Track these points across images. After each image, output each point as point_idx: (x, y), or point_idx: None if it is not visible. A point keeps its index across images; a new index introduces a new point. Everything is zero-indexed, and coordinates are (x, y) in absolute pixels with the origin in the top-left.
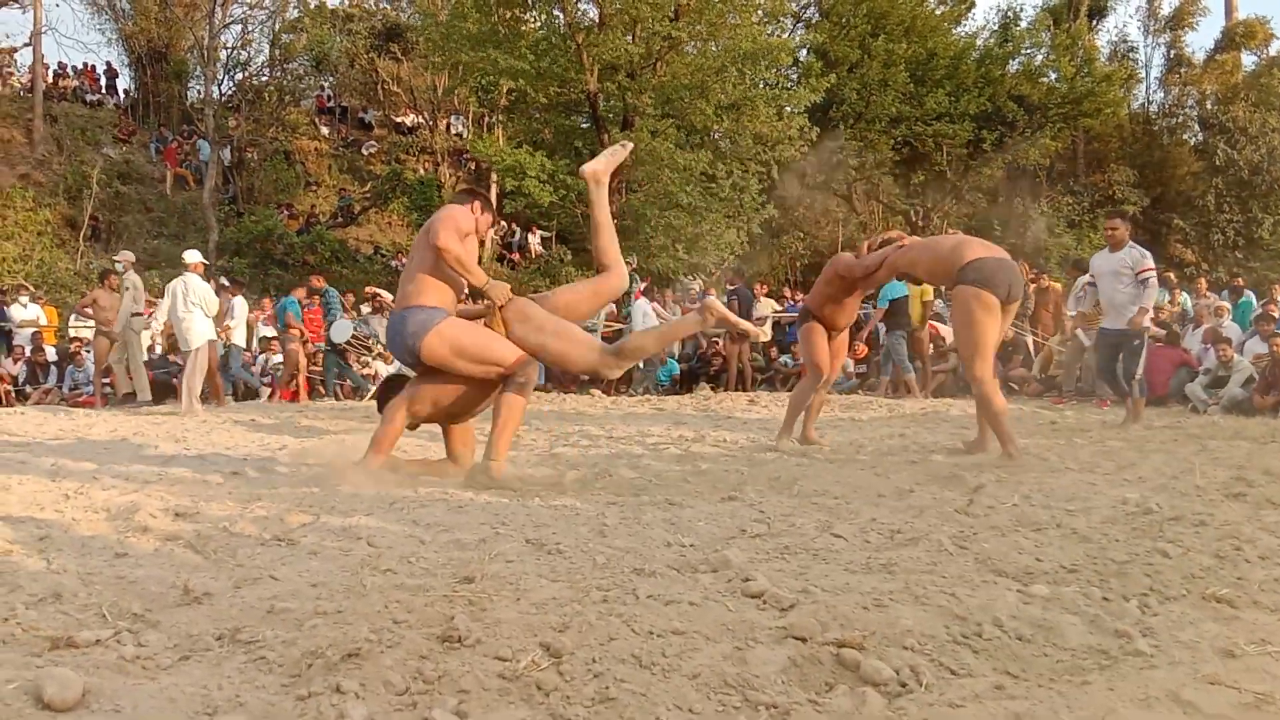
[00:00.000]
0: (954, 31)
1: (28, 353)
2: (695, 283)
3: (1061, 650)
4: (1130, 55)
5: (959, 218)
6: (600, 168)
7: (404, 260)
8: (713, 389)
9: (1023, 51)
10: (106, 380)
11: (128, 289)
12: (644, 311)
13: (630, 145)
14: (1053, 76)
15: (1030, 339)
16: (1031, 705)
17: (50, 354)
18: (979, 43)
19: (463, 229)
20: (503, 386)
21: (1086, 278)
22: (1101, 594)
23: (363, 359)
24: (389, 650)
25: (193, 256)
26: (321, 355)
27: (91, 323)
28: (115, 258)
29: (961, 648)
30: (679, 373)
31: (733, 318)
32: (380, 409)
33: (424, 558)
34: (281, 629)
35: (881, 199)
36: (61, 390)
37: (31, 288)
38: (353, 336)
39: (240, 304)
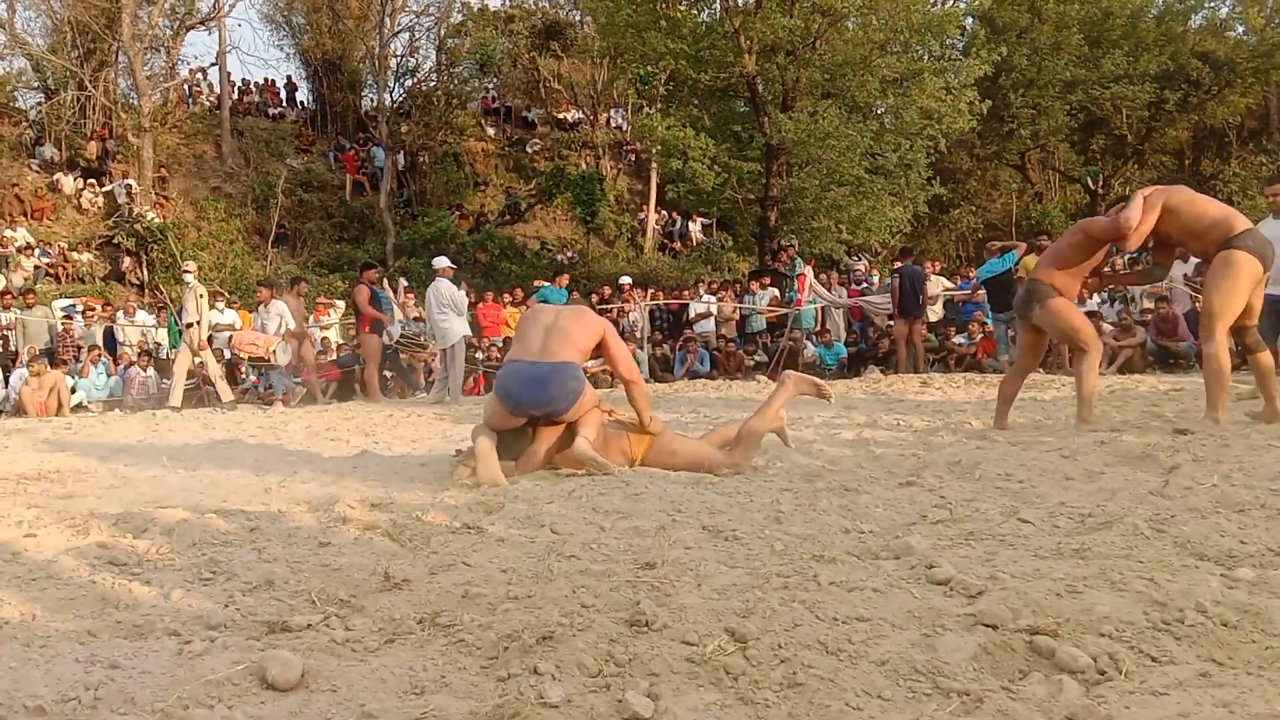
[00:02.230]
0: None
1: (226, 355)
2: (860, 263)
3: (1271, 636)
4: None
5: (1142, 183)
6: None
7: (570, 254)
8: (882, 371)
9: (1206, 5)
10: (299, 380)
11: (202, 296)
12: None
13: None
14: (1240, 30)
15: None
16: (1240, 693)
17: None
18: None
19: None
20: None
21: None
22: None
23: (418, 358)
24: (580, 634)
25: (440, 262)
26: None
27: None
28: (184, 268)
29: (1163, 634)
30: (847, 355)
31: (819, 383)
32: None
33: (605, 544)
34: (477, 613)
35: (1058, 167)
36: (258, 389)
37: (227, 294)
38: (402, 336)
39: (281, 306)
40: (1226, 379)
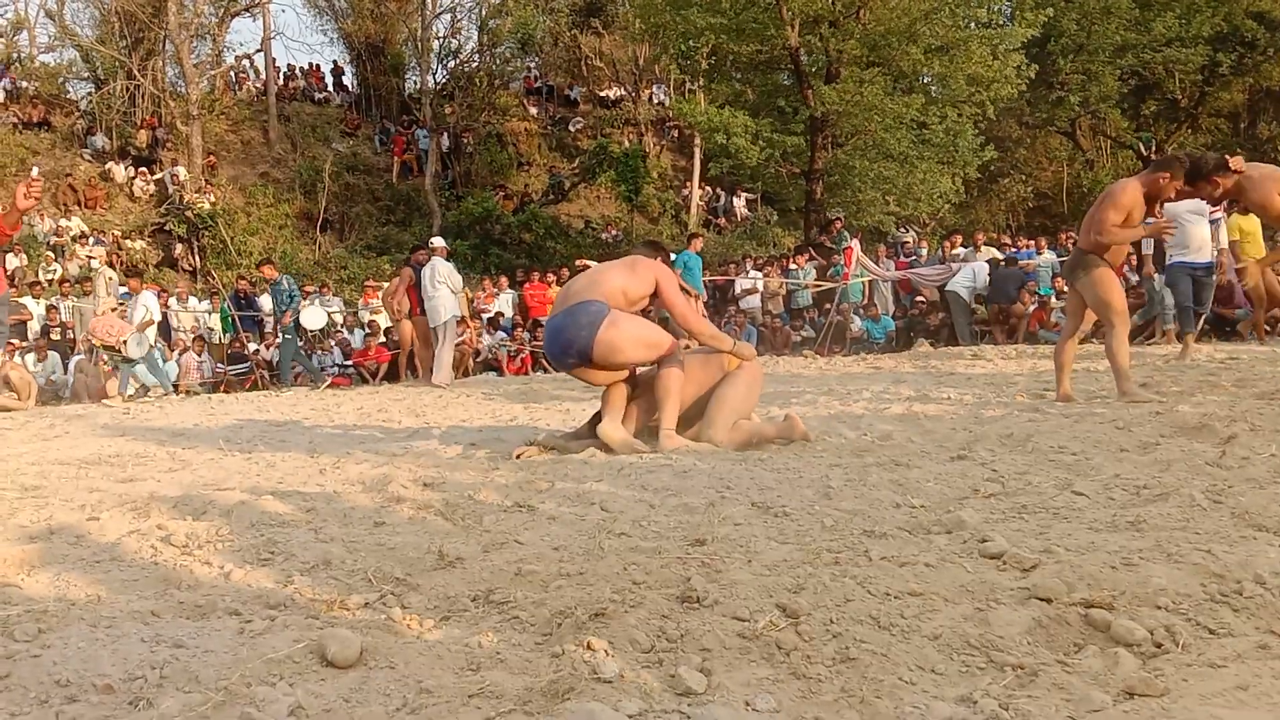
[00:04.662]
0: None
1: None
2: (908, 235)
3: None
4: None
5: (1196, 148)
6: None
7: (614, 232)
8: (932, 345)
9: None
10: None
11: (111, 279)
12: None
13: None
14: None
15: None
16: None
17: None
18: None
19: (677, 287)
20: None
21: None
22: None
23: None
24: (632, 610)
25: (437, 242)
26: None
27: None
28: (91, 254)
29: (1221, 606)
30: (895, 329)
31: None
32: None
33: (655, 521)
34: (530, 590)
35: (1109, 133)
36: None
37: None
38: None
39: (148, 297)
40: None
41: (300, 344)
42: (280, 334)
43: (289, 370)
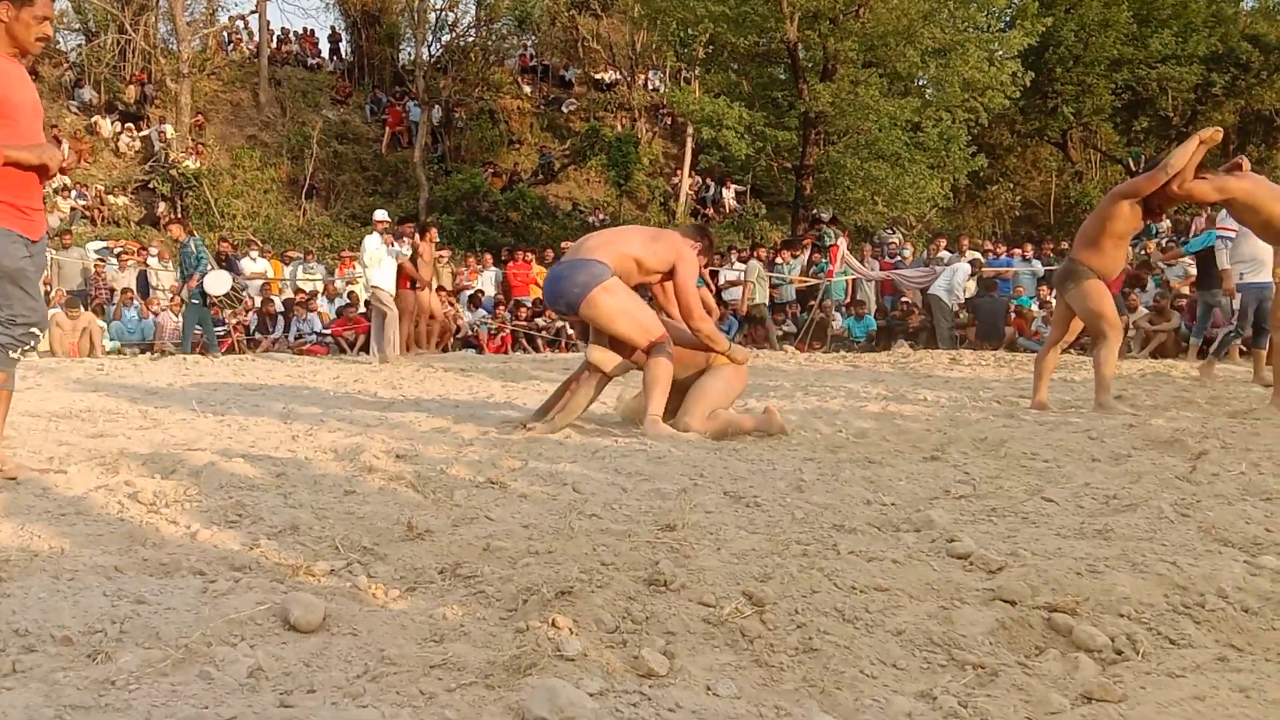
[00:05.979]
0: None
1: (257, 303)
2: (894, 236)
3: None
4: None
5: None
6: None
7: (602, 216)
8: (911, 346)
9: None
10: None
11: None
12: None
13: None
14: None
15: None
16: (1258, 679)
17: (277, 304)
18: None
19: (695, 277)
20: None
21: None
22: None
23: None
24: (599, 590)
25: (377, 215)
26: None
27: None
28: None
29: (1182, 618)
30: (876, 328)
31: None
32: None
33: (627, 505)
34: (498, 566)
35: (1099, 147)
36: (288, 339)
37: (260, 243)
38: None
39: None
40: None
41: (206, 307)
42: (187, 299)
43: (190, 336)
